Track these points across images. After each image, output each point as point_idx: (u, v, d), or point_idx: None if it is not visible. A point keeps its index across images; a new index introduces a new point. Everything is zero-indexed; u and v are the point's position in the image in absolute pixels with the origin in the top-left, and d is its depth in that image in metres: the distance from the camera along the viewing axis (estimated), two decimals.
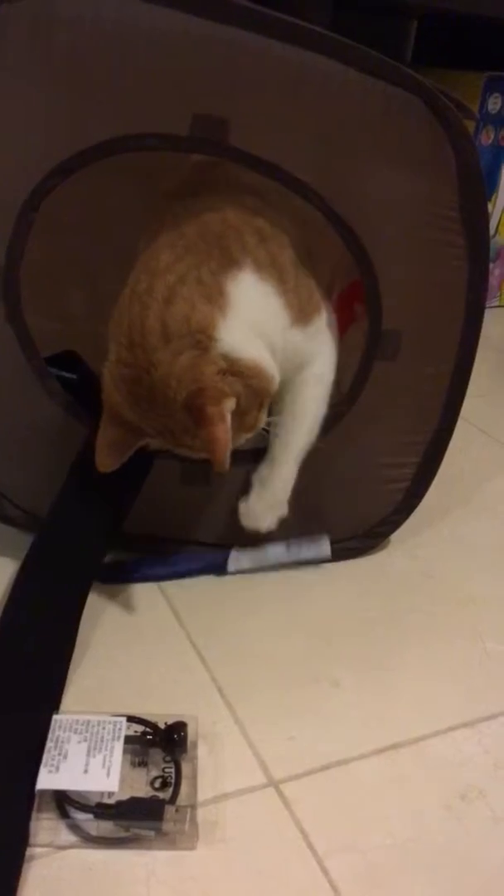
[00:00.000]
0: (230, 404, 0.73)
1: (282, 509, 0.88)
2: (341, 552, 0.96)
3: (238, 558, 0.92)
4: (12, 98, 0.74)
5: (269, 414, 0.84)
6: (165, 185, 0.88)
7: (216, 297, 0.75)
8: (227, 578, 0.92)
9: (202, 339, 0.74)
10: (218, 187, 0.83)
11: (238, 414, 0.75)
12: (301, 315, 0.81)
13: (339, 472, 0.92)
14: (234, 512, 0.89)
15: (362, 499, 0.95)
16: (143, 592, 0.89)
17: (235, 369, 0.74)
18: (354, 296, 0.99)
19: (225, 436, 0.71)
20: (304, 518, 0.92)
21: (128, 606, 0.86)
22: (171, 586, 0.90)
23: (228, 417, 0.72)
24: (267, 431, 0.85)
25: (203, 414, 0.71)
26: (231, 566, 0.92)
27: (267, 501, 0.88)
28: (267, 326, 0.78)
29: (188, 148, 0.79)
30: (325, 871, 0.62)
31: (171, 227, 0.79)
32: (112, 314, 0.78)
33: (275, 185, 0.79)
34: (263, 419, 0.80)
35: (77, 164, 0.76)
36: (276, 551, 0.93)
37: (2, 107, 0.74)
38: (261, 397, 0.77)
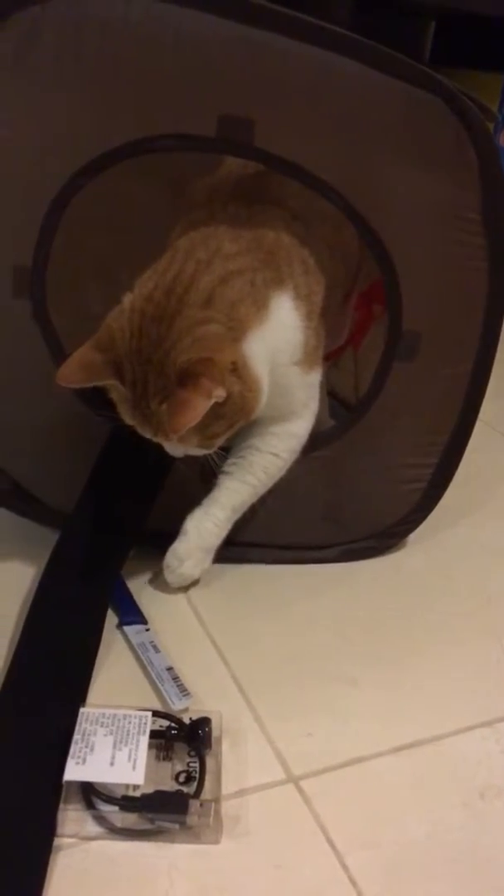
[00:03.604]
0: (220, 392, 0.73)
1: (207, 560, 0.88)
2: (360, 552, 0.97)
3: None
4: (42, 98, 0.75)
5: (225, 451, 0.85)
6: (207, 181, 0.90)
7: (260, 307, 0.77)
8: (246, 578, 0.93)
9: (235, 328, 0.75)
10: (267, 205, 0.84)
11: (211, 416, 0.74)
12: (308, 358, 0.83)
13: (358, 471, 0.92)
14: (254, 509, 0.90)
15: (381, 498, 0.96)
16: (162, 591, 0.89)
17: (241, 374, 0.75)
18: (374, 296, 1.00)
19: (198, 410, 0.71)
20: (322, 518, 0.93)
21: (148, 604, 0.86)
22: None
23: (210, 402, 0.72)
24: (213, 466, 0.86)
25: (196, 381, 0.71)
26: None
27: (195, 545, 0.86)
28: (278, 354, 0.80)
29: (215, 149, 0.80)
30: (344, 867, 0.63)
31: (228, 224, 0.80)
32: (150, 265, 0.79)
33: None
34: (221, 441, 0.80)
35: (104, 164, 0.77)
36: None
37: (32, 106, 0.76)
38: (240, 415, 0.78)
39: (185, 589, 0.89)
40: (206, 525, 0.86)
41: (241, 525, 0.92)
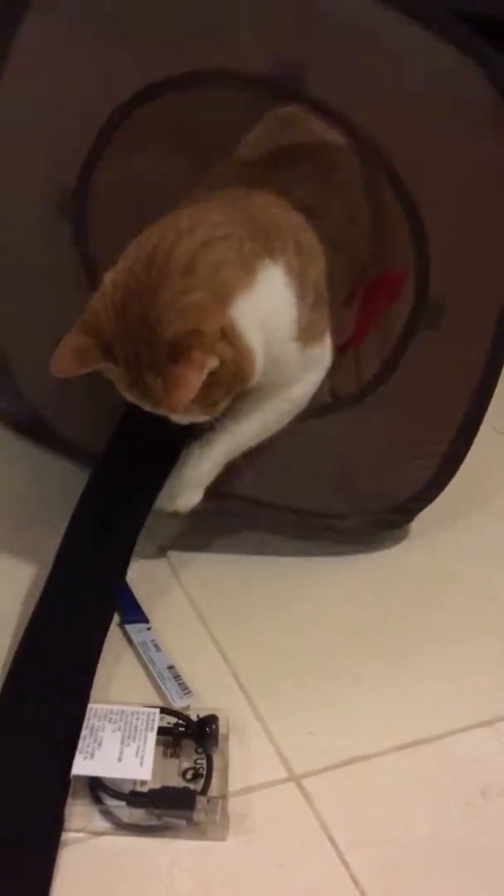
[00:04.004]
0: (213, 362, 0.72)
1: (198, 494, 0.87)
2: (377, 524, 0.97)
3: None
4: (104, 22, 0.78)
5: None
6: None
7: (248, 271, 0.76)
8: (246, 576, 0.93)
9: (220, 293, 0.74)
10: (268, 192, 0.85)
11: (208, 384, 0.73)
12: (304, 334, 0.82)
13: (374, 440, 0.92)
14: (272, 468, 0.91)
15: (394, 470, 0.95)
16: (163, 589, 0.90)
17: (232, 340, 0.74)
18: (380, 292, 1.00)
19: (193, 384, 0.70)
20: (334, 483, 0.94)
21: (149, 603, 0.87)
22: (192, 583, 0.91)
23: (204, 374, 0.71)
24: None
25: (187, 355, 0.70)
26: None
27: (188, 478, 0.86)
28: (272, 328, 0.79)
29: (263, 90, 0.82)
30: (345, 865, 0.64)
31: (224, 199, 0.82)
32: (134, 239, 0.78)
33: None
34: (223, 407, 0.80)
35: (154, 95, 0.80)
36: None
37: (89, 37, 0.79)
38: (236, 381, 0.77)
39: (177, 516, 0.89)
40: (201, 462, 0.86)
41: (263, 485, 0.92)
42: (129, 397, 0.77)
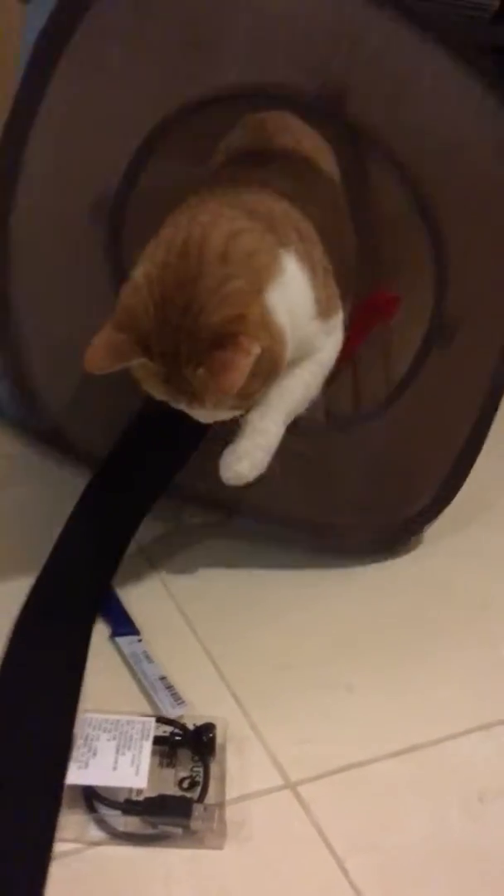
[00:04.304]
0: (257, 348, 0.72)
1: (263, 463, 0.83)
2: (382, 539, 0.98)
3: None
4: (155, 33, 0.80)
5: None
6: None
7: (274, 257, 0.77)
8: (237, 587, 0.93)
9: (256, 280, 0.74)
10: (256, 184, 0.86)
11: (249, 372, 0.73)
12: (324, 310, 0.83)
13: (387, 456, 0.94)
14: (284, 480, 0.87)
15: (404, 486, 0.97)
16: (153, 601, 0.89)
17: (268, 326, 0.75)
18: (374, 308, 1.01)
19: (243, 368, 0.70)
20: (347, 499, 0.95)
21: (139, 615, 0.86)
22: (182, 595, 0.90)
23: (252, 359, 0.71)
24: None
25: (234, 340, 0.70)
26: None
27: (253, 444, 0.82)
28: (297, 311, 0.80)
29: (309, 109, 0.86)
30: (344, 872, 0.63)
31: (223, 195, 0.82)
32: (154, 239, 0.78)
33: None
34: (254, 399, 0.79)
35: (198, 108, 0.82)
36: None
37: (144, 41, 0.81)
38: (272, 370, 0.77)
39: (246, 485, 0.83)
40: (265, 424, 0.82)
41: (273, 497, 0.91)
42: (162, 394, 0.76)
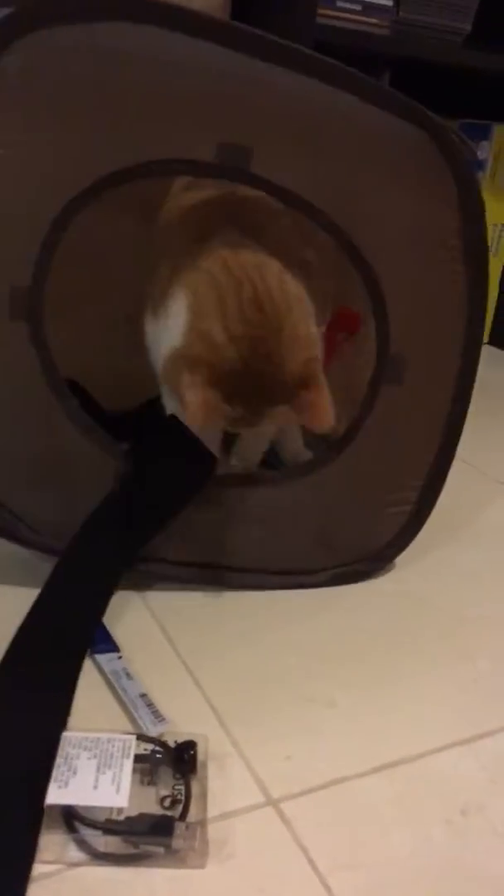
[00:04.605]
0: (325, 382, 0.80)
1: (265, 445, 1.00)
2: (349, 575, 0.98)
3: None
4: (46, 121, 0.76)
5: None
6: (180, 205, 0.94)
7: (307, 300, 0.84)
8: (218, 607, 0.93)
9: (310, 321, 0.82)
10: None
11: None
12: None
13: (348, 495, 0.94)
14: (248, 534, 0.93)
15: (369, 522, 0.97)
16: (133, 617, 0.89)
17: None
18: (338, 325, 1.03)
19: (328, 404, 0.79)
20: (314, 542, 0.95)
21: (119, 633, 0.86)
22: (164, 613, 0.90)
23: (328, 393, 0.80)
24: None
25: (316, 381, 0.79)
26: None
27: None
28: None
29: (212, 174, 0.83)
30: (327, 888, 0.63)
31: (224, 246, 0.85)
32: (193, 309, 0.82)
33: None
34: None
35: (104, 187, 0.79)
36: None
37: (35, 129, 0.76)
38: None
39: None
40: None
41: (237, 551, 0.94)
42: (224, 427, 0.86)
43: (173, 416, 0.87)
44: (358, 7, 1.88)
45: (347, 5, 1.86)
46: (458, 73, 2.08)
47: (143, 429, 0.91)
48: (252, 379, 0.79)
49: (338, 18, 1.85)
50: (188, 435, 0.85)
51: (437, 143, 0.80)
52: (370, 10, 1.90)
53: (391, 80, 2.21)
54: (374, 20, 1.92)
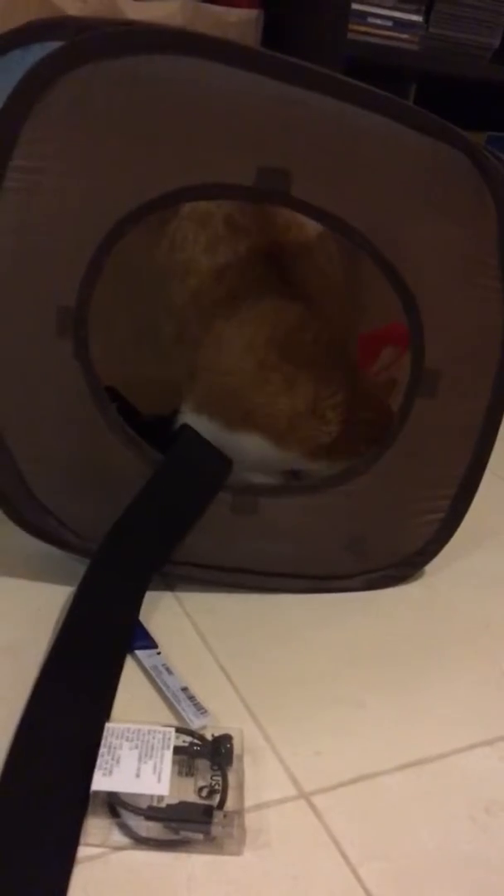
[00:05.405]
0: None
1: None
2: (381, 580, 1.01)
3: None
4: (93, 149, 0.80)
5: None
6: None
7: None
8: (251, 607, 0.96)
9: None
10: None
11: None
12: None
13: (381, 505, 0.97)
14: (282, 541, 0.97)
15: (401, 530, 1.00)
16: (167, 617, 0.93)
17: None
18: (386, 338, 1.06)
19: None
20: (346, 549, 0.98)
21: (155, 632, 0.89)
22: (198, 613, 0.94)
23: None
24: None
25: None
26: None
27: None
28: None
29: (253, 198, 0.87)
30: (358, 878, 0.66)
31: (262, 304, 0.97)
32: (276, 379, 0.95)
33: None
34: None
35: (148, 211, 0.82)
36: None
37: (83, 157, 0.80)
38: None
39: None
40: None
41: (270, 557, 0.97)
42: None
43: (186, 425, 0.94)
44: (389, 23, 1.91)
45: (379, 21, 1.90)
46: (484, 86, 2.10)
47: (167, 436, 0.96)
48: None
49: (369, 34, 1.89)
50: (202, 441, 0.90)
51: (474, 162, 0.83)
52: (401, 25, 1.94)
53: (417, 94, 2.24)
54: (404, 35, 1.95)
